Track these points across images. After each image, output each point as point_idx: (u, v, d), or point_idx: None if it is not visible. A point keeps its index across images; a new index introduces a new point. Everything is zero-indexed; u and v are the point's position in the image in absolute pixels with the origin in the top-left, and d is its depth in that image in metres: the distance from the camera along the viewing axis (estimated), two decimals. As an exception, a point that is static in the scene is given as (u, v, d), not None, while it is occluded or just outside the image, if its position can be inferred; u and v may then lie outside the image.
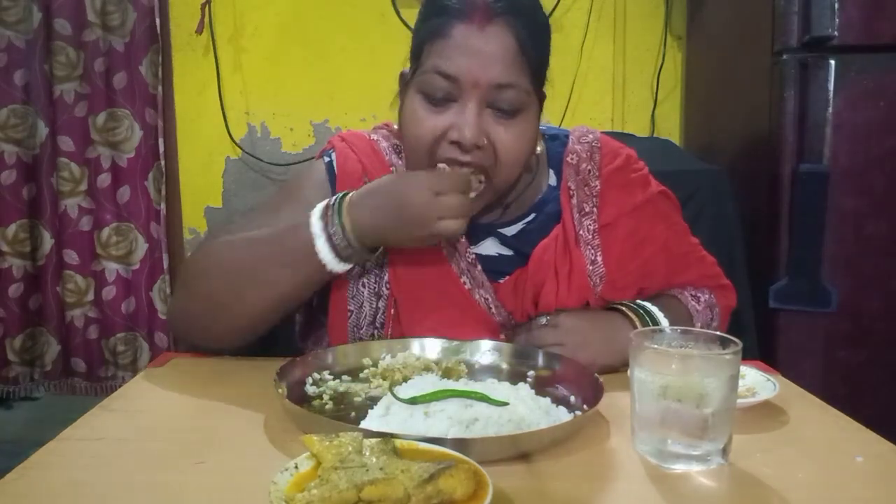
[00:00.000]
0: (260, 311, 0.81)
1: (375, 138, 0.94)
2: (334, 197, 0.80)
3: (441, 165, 0.80)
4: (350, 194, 0.79)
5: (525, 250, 0.89)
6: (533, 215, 0.91)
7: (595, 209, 0.90)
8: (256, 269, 0.79)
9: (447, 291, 0.87)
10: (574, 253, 0.87)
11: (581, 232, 0.89)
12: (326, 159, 0.93)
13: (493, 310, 0.88)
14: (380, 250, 0.83)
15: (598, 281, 0.88)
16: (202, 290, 0.82)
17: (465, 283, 0.87)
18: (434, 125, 0.79)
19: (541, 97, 0.85)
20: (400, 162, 0.92)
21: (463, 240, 0.88)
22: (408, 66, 0.85)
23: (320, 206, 0.79)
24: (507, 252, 0.90)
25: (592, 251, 0.89)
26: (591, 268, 0.88)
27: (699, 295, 0.93)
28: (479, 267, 0.88)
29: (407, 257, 0.87)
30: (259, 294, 0.80)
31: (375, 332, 0.88)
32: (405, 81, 0.84)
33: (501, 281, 0.89)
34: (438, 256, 0.87)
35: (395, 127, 0.93)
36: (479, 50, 0.76)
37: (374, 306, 0.87)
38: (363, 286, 0.88)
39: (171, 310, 0.88)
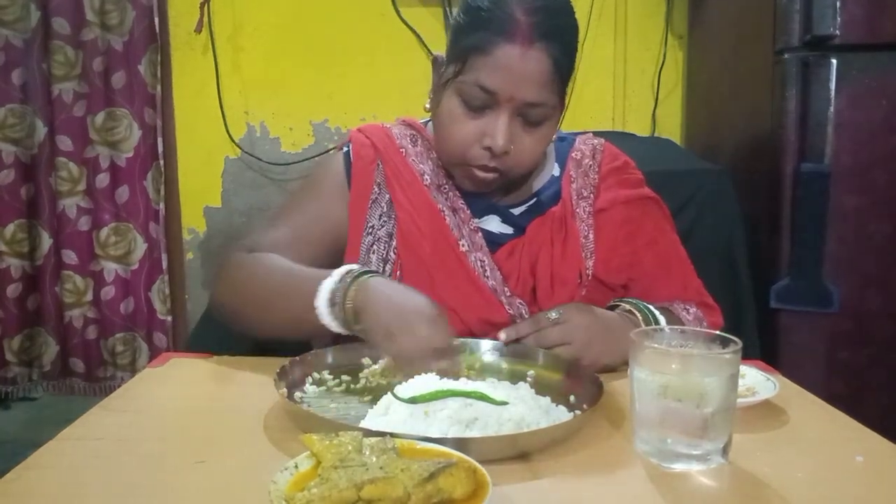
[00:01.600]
0: (279, 332, 0.88)
1: (389, 126, 1.02)
2: (342, 287, 0.78)
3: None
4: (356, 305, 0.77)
5: (524, 225, 0.95)
6: (535, 199, 0.98)
7: (592, 195, 0.98)
8: (278, 304, 0.85)
9: (446, 254, 0.92)
10: (570, 225, 0.95)
11: (577, 210, 0.96)
12: (345, 149, 1.00)
13: (488, 272, 0.92)
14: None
15: (588, 255, 0.94)
16: (232, 303, 0.91)
17: (462, 244, 0.92)
18: (469, 130, 0.87)
19: (563, 103, 0.92)
20: (412, 147, 0.98)
21: (467, 211, 0.95)
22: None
23: (327, 291, 0.78)
24: (507, 230, 0.96)
25: (586, 228, 0.96)
26: (583, 241, 0.95)
27: (688, 308, 0.96)
28: (480, 234, 0.94)
29: (414, 224, 0.93)
30: (279, 323, 0.87)
31: None
32: (443, 77, 0.90)
33: (498, 251, 0.94)
34: (442, 224, 0.93)
35: (420, 121, 1.01)
36: (518, 71, 0.83)
37: (380, 270, 0.93)
38: (373, 253, 0.94)
39: (213, 298, 0.95)
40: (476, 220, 0.95)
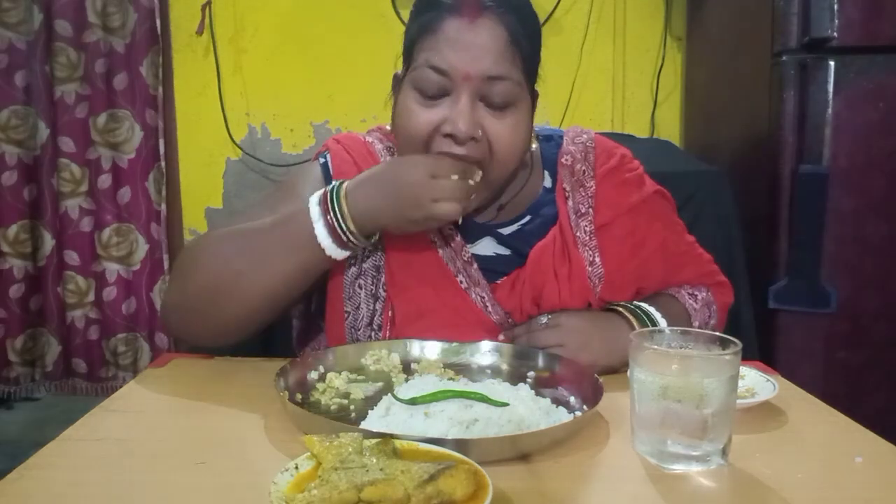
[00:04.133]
0: (259, 298, 0.80)
1: (370, 140, 0.95)
2: (332, 185, 0.80)
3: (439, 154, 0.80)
4: (346, 182, 0.80)
5: (522, 249, 0.89)
6: (529, 217, 0.91)
7: (591, 210, 0.90)
8: (255, 256, 0.79)
9: (443, 291, 0.86)
10: (573, 255, 0.88)
11: (578, 234, 0.89)
12: (322, 160, 0.94)
13: (490, 308, 0.87)
14: (377, 236, 0.83)
15: (597, 282, 0.88)
16: (199, 280, 0.81)
17: (461, 281, 0.87)
18: (428, 119, 0.79)
19: (533, 94, 0.85)
20: None
21: (458, 239, 0.88)
22: (400, 67, 0.86)
23: (318, 193, 0.80)
24: (504, 251, 0.90)
25: (590, 252, 0.89)
26: (589, 269, 0.88)
27: (696, 293, 0.93)
28: (476, 266, 0.88)
29: (403, 257, 0.87)
30: (258, 280, 0.79)
31: (373, 334, 0.88)
32: (398, 80, 0.85)
33: (499, 281, 0.89)
34: (434, 257, 0.87)
35: (389, 128, 0.94)
36: (470, 43, 0.77)
37: (371, 308, 0.87)
38: (360, 287, 0.88)
39: (165, 304, 0.85)
40: (469, 246, 0.88)
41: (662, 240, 0.93)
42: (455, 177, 0.77)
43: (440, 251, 0.87)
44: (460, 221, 0.86)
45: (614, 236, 0.90)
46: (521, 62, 0.80)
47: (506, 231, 0.91)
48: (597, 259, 0.88)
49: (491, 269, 0.89)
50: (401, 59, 0.86)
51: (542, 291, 0.87)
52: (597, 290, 0.88)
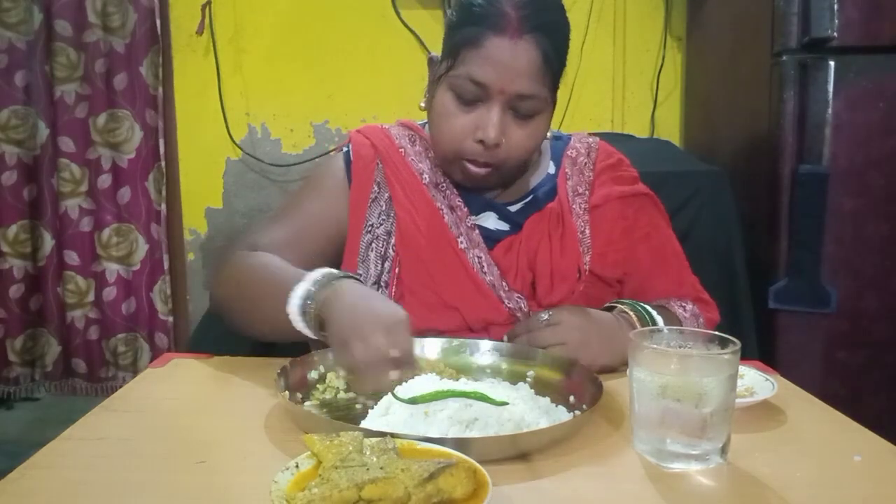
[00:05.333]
0: (263, 333, 0.89)
1: (388, 127, 1.04)
2: (313, 294, 0.77)
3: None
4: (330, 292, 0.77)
5: (521, 222, 0.97)
6: (531, 197, 0.99)
7: (587, 192, 0.99)
8: (259, 306, 0.86)
9: (445, 252, 0.93)
10: (567, 221, 0.96)
11: (573, 207, 0.98)
12: (345, 149, 1.03)
13: (486, 268, 0.94)
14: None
15: (585, 250, 0.96)
16: (224, 293, 0.93)
17: (461, 242, 0.94)
18: (462, 123, 0.89)
19: (555, 98, 0.93)
20: (410, 146, 1.00)
21: (465, 208, 0.96)
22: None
23: (299, 297, 0.77)
24: (504, 226, 0.97)
25: (582, 223, 0.97)
26: (580, 236, 0.96)
27: (684, 304, 0.97)
28: (477, 231, 0.96)
29: (412, 221, 0.94)
30: (261, 325, 0.88)
31: (379, 290, 0.94)
32: (437, 73, 0.92)
33: (494, 248, 0.95)
34: (441, 223, 0.94)
35: (418, 123, 1.03)
36: (509, 63, 0.84)
37: (378, 268, 0.95)
38: (371, 250, 0.95)
39: (211, 294, 0.97)
40: (473, 218, 0.96)
41: (648, 234, 1.00)
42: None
43: (446, 217, 0.95)
44: (464, 207, 0.95)
45: (605, 217, 0.98)
46: (551, 80, 0.88)
47: (508, 208, 0.98)
48: (587, 230, 0.97)
49: (491, 238, 0.96)
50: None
51: (536, 253, 0.94)
52: (586, 258, 0.95)
